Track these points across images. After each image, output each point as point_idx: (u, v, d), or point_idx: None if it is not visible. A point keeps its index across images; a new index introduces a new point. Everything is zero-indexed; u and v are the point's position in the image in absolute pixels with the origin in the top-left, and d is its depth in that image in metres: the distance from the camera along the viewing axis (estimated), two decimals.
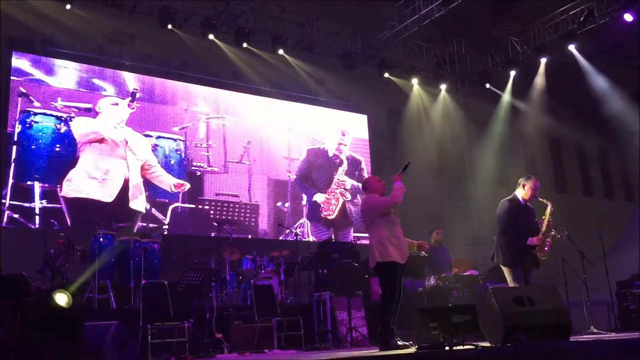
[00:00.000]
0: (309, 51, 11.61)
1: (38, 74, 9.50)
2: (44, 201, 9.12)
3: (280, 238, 11.09)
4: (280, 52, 11.03)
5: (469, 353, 4.89)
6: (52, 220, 9.02)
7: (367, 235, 5.97)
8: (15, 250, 8.18)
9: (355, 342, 7.75)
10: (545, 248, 6.19)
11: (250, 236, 10.79)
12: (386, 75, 12.27)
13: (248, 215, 10.94)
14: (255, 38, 10.86)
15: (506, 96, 12.99)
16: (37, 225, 9.00)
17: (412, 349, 5.29)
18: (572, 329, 5.60)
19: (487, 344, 5.37)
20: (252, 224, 10.97)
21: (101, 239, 7.86)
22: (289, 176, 11.64)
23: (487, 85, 13.11)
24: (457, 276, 8.69)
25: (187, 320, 6.78)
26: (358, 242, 11.09)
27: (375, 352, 5.67)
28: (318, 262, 9.15)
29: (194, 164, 10.61)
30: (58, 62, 9.71)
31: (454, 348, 5.03)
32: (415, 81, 12.61)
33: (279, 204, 11.37)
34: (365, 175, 12.26)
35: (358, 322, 8.12)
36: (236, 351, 6.95)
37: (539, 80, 12.73)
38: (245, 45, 10.71)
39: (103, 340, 6.25)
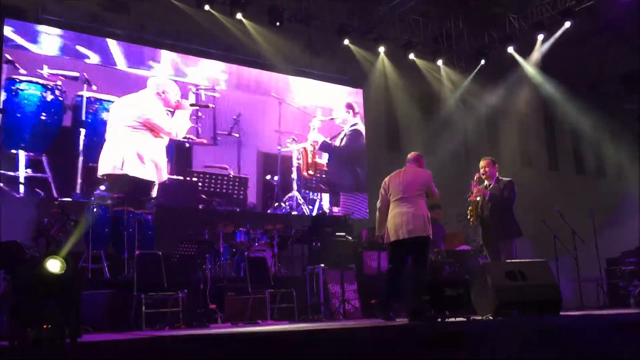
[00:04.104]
0: (305, 24, 11.47)
1: (20, 40, 9.24)
2: (29, 170, 8.97)
3: (269, 211, 11.03)
4: (277, 24, 10.88)
5: (460, 326, 4.95)
6: (37, 190, 8.95)
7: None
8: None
9: (348, 315, 7.83)
10: (470, 217, 6.81)
11: (238, 209, 10.67)
12: (411, 56, 12.27)
13: (237, 188, 10.82)
14: (251, 9, 10.71)
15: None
16: (21, 194, 8.88)
17: (405, 321, 5.36)
18: (562, 304, 5.68)
19: (478, 317, 5.45)
20: (241, 196, 10.85)
21: (95, 209, 7.86)
22: (279, 149, 11.52)
23: (482, 62, 13.05)
24: (449, 251, 8.76)
25: (181, 290, 6.83)
26: (352, 216, 11.15)
27: (372, 323, 5.73)
28: (311, 236, 9.19)
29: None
30: (41, 29, 9.44)
31: (446, 320, 5.10)
32: (411, 56, 12.52)
33: (268, 177, 11.28)
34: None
35: (350, 295, 8.20)
36: (230, 322, 7.01)
37: (535, 56, 12.66)
38: (239, 16, 10.58)
39: (97, 309, 6.31)
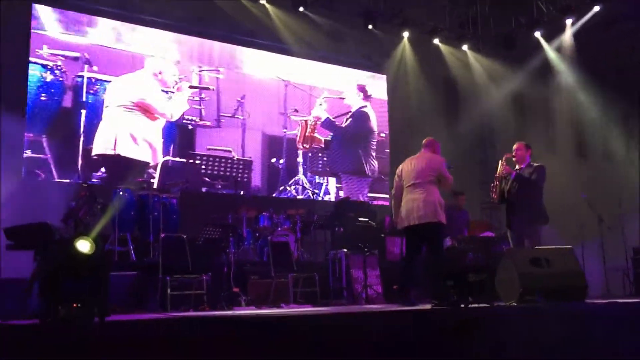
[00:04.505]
0: (329, 9, 11.40)
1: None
2: (28, 151, 8.95)
3: (274, 195, 10.95)
4: (301, 9, 10.83)
5: (483, 311, 4.94)
6: (37, 171, 8.94)
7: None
8: None
9: (370, 300, 7.86)
10: (492, 194, 6.94)
11: (242, 192, 10.50)
12: (435, 41, 12.21)
13: (241, 170, 10.68)
14: None
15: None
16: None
17: (428, 306, 5.37)
18: (587, 291, 5.63)
19: (501, 304, 5.43)
20: (245, 179, 10.72)
21: (121, 193, 7.98)
22: (285, 132, 11.38)
23: (508, 47, 12.86)
24: (473, 237, 8.72)
25: (206, 273, 6.92)
26: (374, 202, 11.14)
27: (393, 308, 5.74)
28: (334, 221, 9.22)
29: (185, 117, 10.29)
30: (39, 8, 9.30)
31: (469, 306, 5.09)
32: (436, 41, 12.40)
33: (273, 160, 11.15)
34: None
35: (373, 281, 8.22)
36: (253, 305, 7.09)
37: (566, 42, 12.44)
38: (263, 1, 10.58)
39: (124, 290, 6.43)
